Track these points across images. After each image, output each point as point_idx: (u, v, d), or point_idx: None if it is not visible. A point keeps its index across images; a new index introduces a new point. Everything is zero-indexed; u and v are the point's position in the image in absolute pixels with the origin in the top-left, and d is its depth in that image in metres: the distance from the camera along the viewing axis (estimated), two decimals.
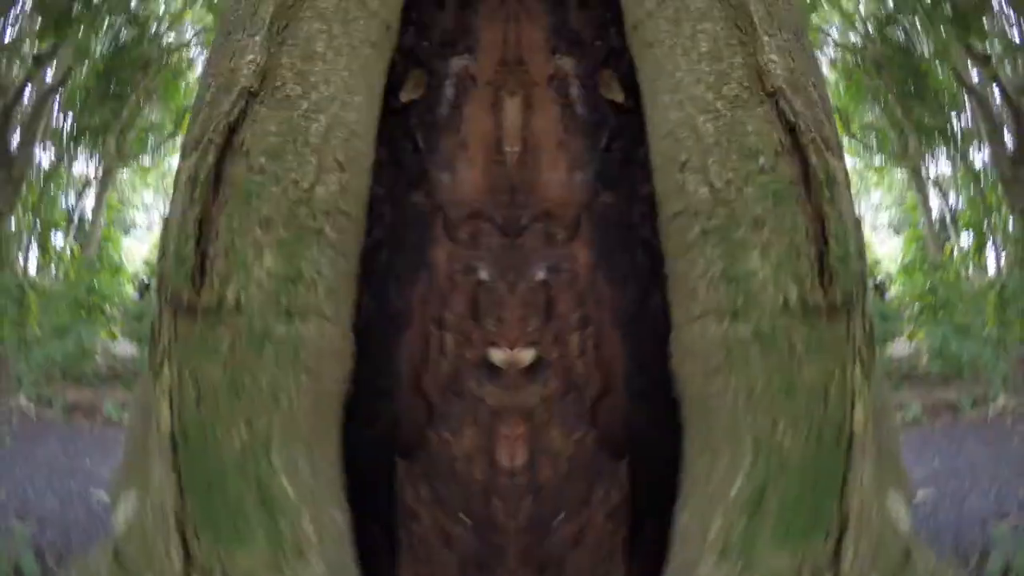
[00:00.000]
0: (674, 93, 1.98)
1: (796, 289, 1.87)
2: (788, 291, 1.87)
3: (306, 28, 2.00)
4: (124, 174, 14.06)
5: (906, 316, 10.28)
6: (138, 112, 12.72)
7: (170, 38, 12.34)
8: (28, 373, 9.18)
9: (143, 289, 12.77)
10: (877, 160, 13.84)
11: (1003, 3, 10.71)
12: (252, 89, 1.97)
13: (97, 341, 10.98)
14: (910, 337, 10.51)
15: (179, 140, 12.42)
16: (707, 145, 1.93)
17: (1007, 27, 11.00)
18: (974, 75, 11.50)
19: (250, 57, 1.99)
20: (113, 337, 11.34)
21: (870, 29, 11.88)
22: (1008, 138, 11.09)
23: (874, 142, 13.39)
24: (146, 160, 14.27)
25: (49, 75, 11.11)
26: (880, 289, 11.65)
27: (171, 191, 2.07)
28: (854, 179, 15.38)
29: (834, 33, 12.36)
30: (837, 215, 1.89)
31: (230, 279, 1.89)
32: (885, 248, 13.66)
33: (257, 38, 1.99)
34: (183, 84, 12.89)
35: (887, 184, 14.52)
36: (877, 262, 12.87)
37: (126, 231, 14.71)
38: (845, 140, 12.73)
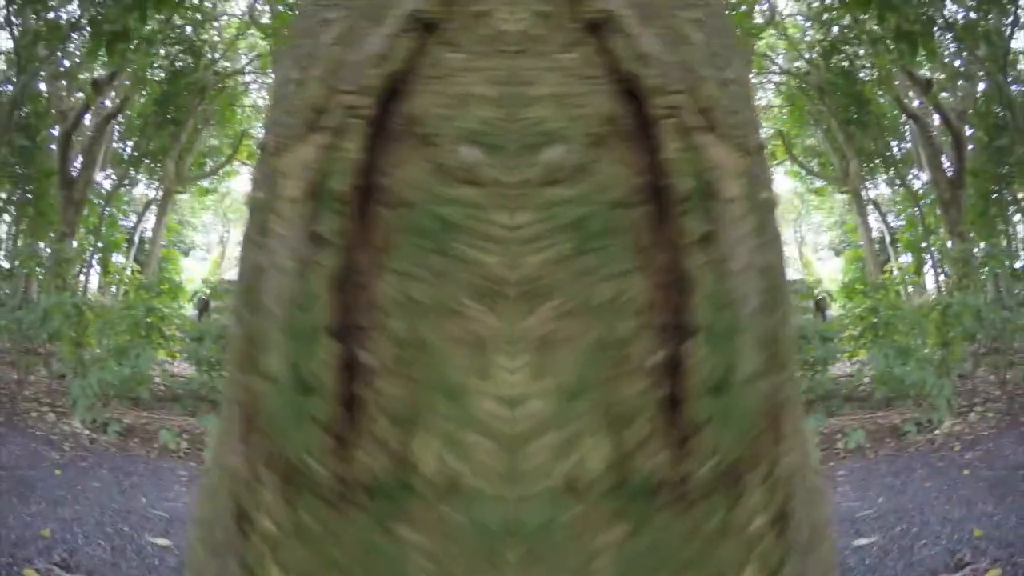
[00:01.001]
0: None
1: (605, 446, 0.73)
2: (588, 452, 0.74)
3: None
4: (183, 197, 13.59)
5: (846, 336, 9.29)
6: (196, 137, 12.22)
7: (225, 65, 11.78)
8: (83, 397, 8.23)
9: (201, 308, 11.64)
10: (818, 183, 12.96)
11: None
12: (430, 16, 0.83)
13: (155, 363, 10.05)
14: (851, 356, 9.50)
15: (237, 165, 12.06)
16: None
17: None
18: (915, 101, 10.83)
19: None
20: (172, 357, 10.36)
21: (815, 56, 10.98)
22: (947, 162, 10.50)
23: (816, 166, 12.52)
24: (204, 183, 13.83)
25: (107, 102, 10.96)
26: (821, 307, 10.69)
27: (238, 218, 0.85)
28: (795, 202, 14.93)
29: (780, 60, 11.44)
30: (717, 277, 0.78)
31: (422, 424, 0.75)
32: (826, 268, 12.79)
33: None
34: (239, 109, 12.47)
35: (828, 207, 13.68)
36: (819, 281, 11.97)
37: (185, 253, 14.15)
38: (787, 164, 12.09)
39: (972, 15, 10.27)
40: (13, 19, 9.75)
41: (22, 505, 5.42)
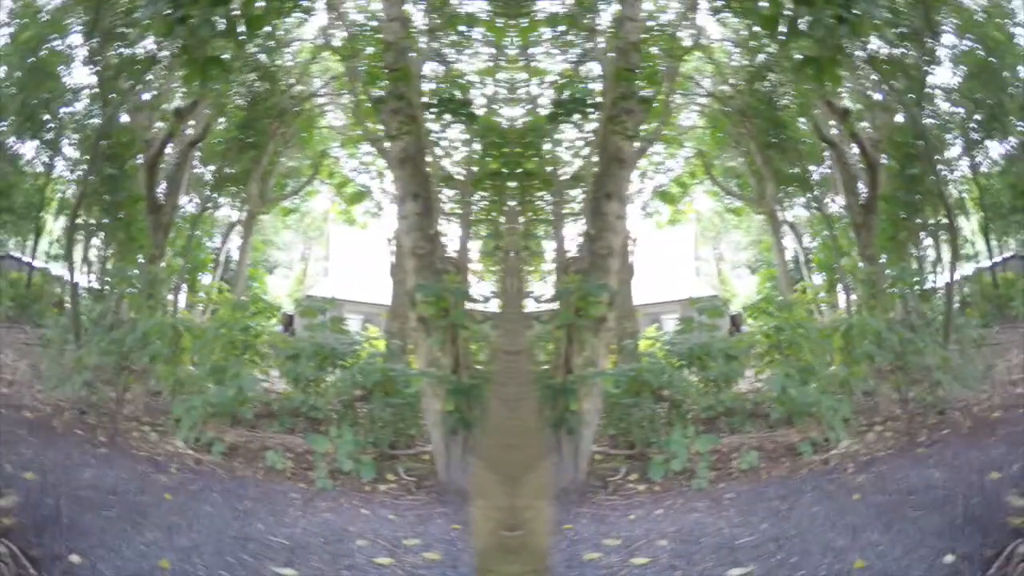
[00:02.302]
0: None
1: None
2: None
3: None
4: (265, 217, 12.83)
5: (753, 352, 8.81)
6: (276, 159, 11.70)
7: (300, 88, 11.18)
8: (187, 418, 7.80)
9: (286, 324, 11.26)
10: (736, 203, 12.50)
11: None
12: None
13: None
14: (758, 373, 9.00)
15: (317, 184, 11.61)
16: None
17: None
18: (833, 129, 10.50)
19: None
20: (265, 373, 9.87)
21: (739, 82, 10.56)
22: (862, 187, 10.17)
23: (735, 186, 12.10)
24: (286, 203, 12.93)
25: (189, 130, 10.67)
26: (736, 323, 10.24)
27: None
28: (715, 221, 14.48)
29: (705, 83, 10.97)
30: None
31: None
32: (742, 285, 12.35)
33: None
34: (316, 131, 11.87)
35: (746, 226, 13.26)
36: (729, 299, 11.54)
37: (270, 271, 13.72)
38: (707, 183, 11.71)
39: (895, 51, 9.98)
40: (94, 57, 9.69)
41: (136, 533, 4.91)
